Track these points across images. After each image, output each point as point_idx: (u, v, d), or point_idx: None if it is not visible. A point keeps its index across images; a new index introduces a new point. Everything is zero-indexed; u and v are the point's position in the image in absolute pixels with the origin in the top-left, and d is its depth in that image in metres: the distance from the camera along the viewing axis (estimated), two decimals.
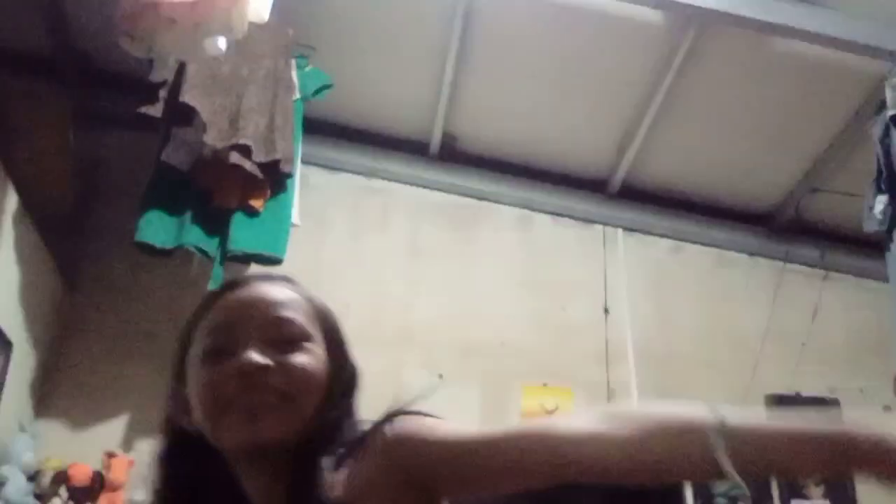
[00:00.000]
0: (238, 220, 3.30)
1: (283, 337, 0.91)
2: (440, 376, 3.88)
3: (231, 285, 0.98)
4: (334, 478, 0.84)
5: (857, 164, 3.77)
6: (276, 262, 3.32)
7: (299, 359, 0.90)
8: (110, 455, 3.31)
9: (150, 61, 3.15)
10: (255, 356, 0.88)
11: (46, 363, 3.52)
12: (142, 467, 3.12)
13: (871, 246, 3.79)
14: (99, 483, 3.23)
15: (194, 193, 3.31)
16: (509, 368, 3.97)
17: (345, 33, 3.76)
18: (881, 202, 3.25)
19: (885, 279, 3.51)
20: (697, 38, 3.59)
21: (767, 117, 3.99)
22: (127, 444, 3.43)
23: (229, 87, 3.25)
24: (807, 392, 4.11)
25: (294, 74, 3.52)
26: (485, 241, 4.30)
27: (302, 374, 0.89)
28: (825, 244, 4.45)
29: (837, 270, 4.44)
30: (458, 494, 0.87)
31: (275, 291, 0.96)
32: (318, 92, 3.63)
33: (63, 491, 3.19)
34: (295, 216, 3.52)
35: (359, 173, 4.27)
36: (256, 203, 3.32)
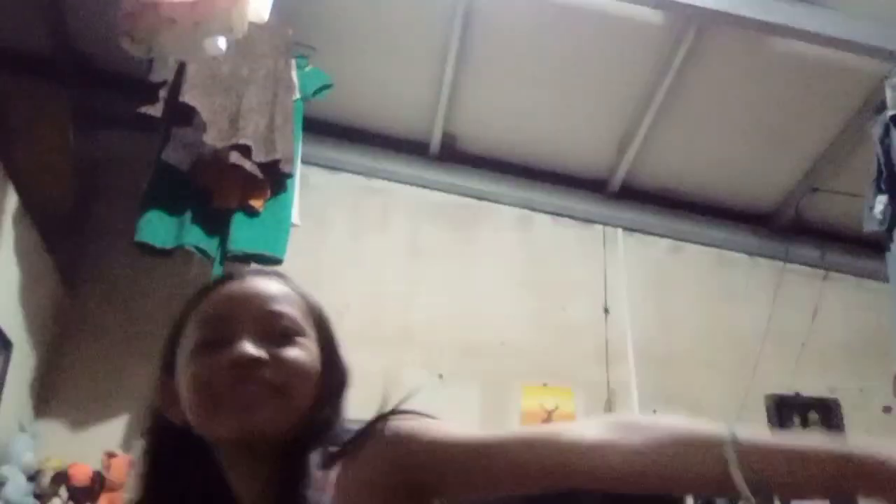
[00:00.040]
0: (238, 220, 3.30)
1: (278, 331, 0.91)
2: (440, 376, 3.88)
3: (225, 279, 0.97)
4: (327, 476, 0.84)
5: (857, 164, 3.76)
6: (276, 262, 3.32)
7: (293, 353, 0.90)
8: (110, 455, 3.31)
9: (150, 61, 3.15)
10: (250, 348, 0.87)
11: (46, 363, 3.52)
12: None
13: (871, 246, 3.78)
14: (99, 483, 3.23)
15: (194, 193, 3.31)
16: (509, 368, 3.97)
17: (345, 33, 3.76)
18: (881, 202, 3.25)
19: (885, 279, 3.51)
20: (697, 38, 3.59)
21: (767, 117, 3.99)
22: (127, 444, 3.43)
23: (229, 87, 3.25)
24: (807, 392, 4.12)
25: (294, 74, 3.52)
26: (485, 241, 4.30)
27: (295, 368, 0.89)
28: (825, 244, 4.45)
29: (837, 270, 4.44)
30: (458, 496, 0.87)
31: (269, 286, 0.95)
32: (318, 92, 3.63)
33: (63, 491, 3.20)
34: (295, 216, 3.52)
35: (359, 173, 4.27)
36: (256, 203, 3.32)
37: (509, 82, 3.96)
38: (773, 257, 4.45)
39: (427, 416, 0.89)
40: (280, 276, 1.00)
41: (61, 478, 3.20)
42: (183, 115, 3.19)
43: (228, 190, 3.29)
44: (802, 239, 4.45)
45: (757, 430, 0.78)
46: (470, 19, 3.65)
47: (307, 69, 3.63)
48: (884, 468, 0.72)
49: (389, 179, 4.29)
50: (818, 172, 4.16)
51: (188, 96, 3.13)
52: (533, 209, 4.39)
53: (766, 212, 4.50)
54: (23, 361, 3.30)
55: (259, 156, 3.20)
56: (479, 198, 4.36)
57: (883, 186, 3.26)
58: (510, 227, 4.36)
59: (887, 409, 4.16)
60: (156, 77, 3.21)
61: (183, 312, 0.96)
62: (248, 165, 3.19)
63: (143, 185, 3.32)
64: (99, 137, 3.83)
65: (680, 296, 4.36)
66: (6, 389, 3.13)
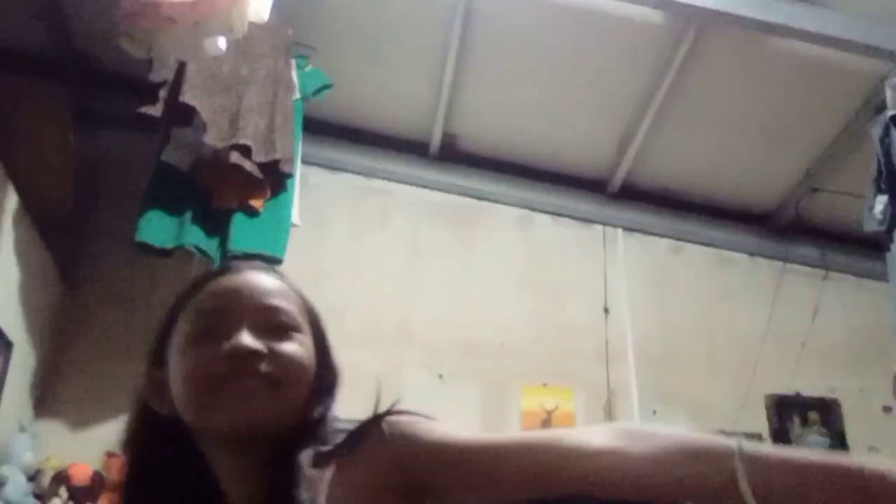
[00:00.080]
0: (238, 220, 3.30)
1: (275, 325, 0.90)
2: (440, 376, 3.88)
3: (221, 271, 0.97)
4: (319, 476, 0.83)
5: (857, 164, 3.76)
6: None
7: (290, 347, 0.89)
8: (110, 455, 3.30)
9: (150, 61, 3.14)
10: (248, 340, 0.87)
11: (46, 363, 3.52)
12: None
13: (871, 246, 3.79)
14: (99, 483, 3.23)
15: (194, 193, 3.30)
16: (509, 368, 3.97)
17: (345, 33, 3.76)
18: (881, 202, 3.25)
19: (885, 279, 3.51)
20: (697, 38, 3.59)
21: (767, 117, 3.99)
22: None
23: (229, 87, 3.25)
24: (807, 392, 4.12)
25: (294, 74, 3.52)
26: (485, 242, 4.30)
27: (292, 362, 0.88)
28: (825, 244, 4.45)
29: (837, 270, 4.44)
30: (458, 497, 0.86)
31: (267, 280, 0.95)
32: (318, 92, 3.63)
33: (63, 491, 3.19)
34: (295, 216, 3.52)
35: (359, 173, 4.27)
36: (256, 203, 3.32)
37: (509, 82, 3.96)
38: (772, 257, 4.45)
39: (423, 415, 0.88)
40: (275, 271, 0.99)
41: (61, 478, 3.20)
42: (183, 115, 3.19)
43: (228, 190, 3.29)
44: (802, 239, 4.45)
45: (762, 445, 0.78)
46: (470, 19, 3.65)
47: (307, 69, 3.63)
48: (894, 487, 0.71)
49: (389, 179, 4.29)
50: (818, 172, 4.16)
51: (188, 96, 3.13)
52: (533, 209, 4.39)
53: (765, 212, 4.50)
54: (23, 361, 3.30)
55: (259, 156, 3.20)
56: (479, 198, 4.36)
57: (883, 186, 3.26)
58: (510, 227, 4.37)
59: (887, 409, 4.17)
60: (156, 77, 3.21)
61: (176, 303, 0.94)
62: (248, 165, 3.19)
63: (143, 185, 3.32)
64: (99, 137, 3.83)
65: (680, 296, 4.36)
66: (6, 389, 3.13)
